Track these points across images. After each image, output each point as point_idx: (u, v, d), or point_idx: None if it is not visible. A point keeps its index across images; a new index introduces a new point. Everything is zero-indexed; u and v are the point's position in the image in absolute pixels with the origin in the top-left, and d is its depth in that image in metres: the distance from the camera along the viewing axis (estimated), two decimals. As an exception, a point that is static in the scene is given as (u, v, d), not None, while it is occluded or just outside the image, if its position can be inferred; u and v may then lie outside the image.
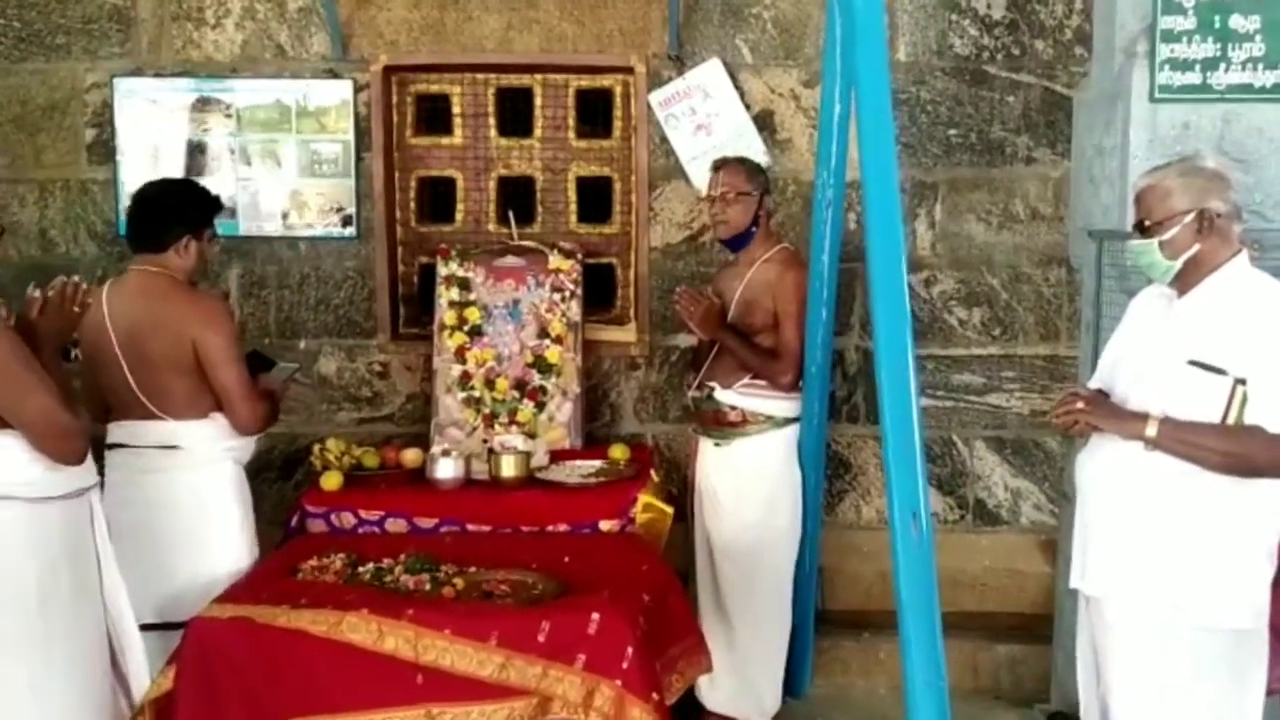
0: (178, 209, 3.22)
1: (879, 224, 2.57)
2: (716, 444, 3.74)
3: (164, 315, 3.12)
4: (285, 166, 4.32)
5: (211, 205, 3.30)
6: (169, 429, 3.17)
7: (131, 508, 3.15)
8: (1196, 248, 2.59)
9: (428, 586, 3.03)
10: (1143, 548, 2.60)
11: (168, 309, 3.13)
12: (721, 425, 3.72)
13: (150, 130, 4.29)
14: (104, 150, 4.32)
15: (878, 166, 2.60)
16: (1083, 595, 2.77)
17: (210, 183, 4.19)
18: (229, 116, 4.29)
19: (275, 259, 4.38)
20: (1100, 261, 3.42)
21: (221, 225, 4.24)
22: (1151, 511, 2.59)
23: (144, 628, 3.11)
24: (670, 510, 3.60)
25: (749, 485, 3.68)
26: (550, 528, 3.52)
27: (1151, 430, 2.54)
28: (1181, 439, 2.53)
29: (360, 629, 2.78)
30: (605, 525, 3.52)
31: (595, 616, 2.76)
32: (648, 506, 3.56)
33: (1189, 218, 2.59)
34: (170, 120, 4.29)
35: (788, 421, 3.69)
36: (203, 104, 4.29)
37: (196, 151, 4.31)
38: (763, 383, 3.64)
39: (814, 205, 3.42)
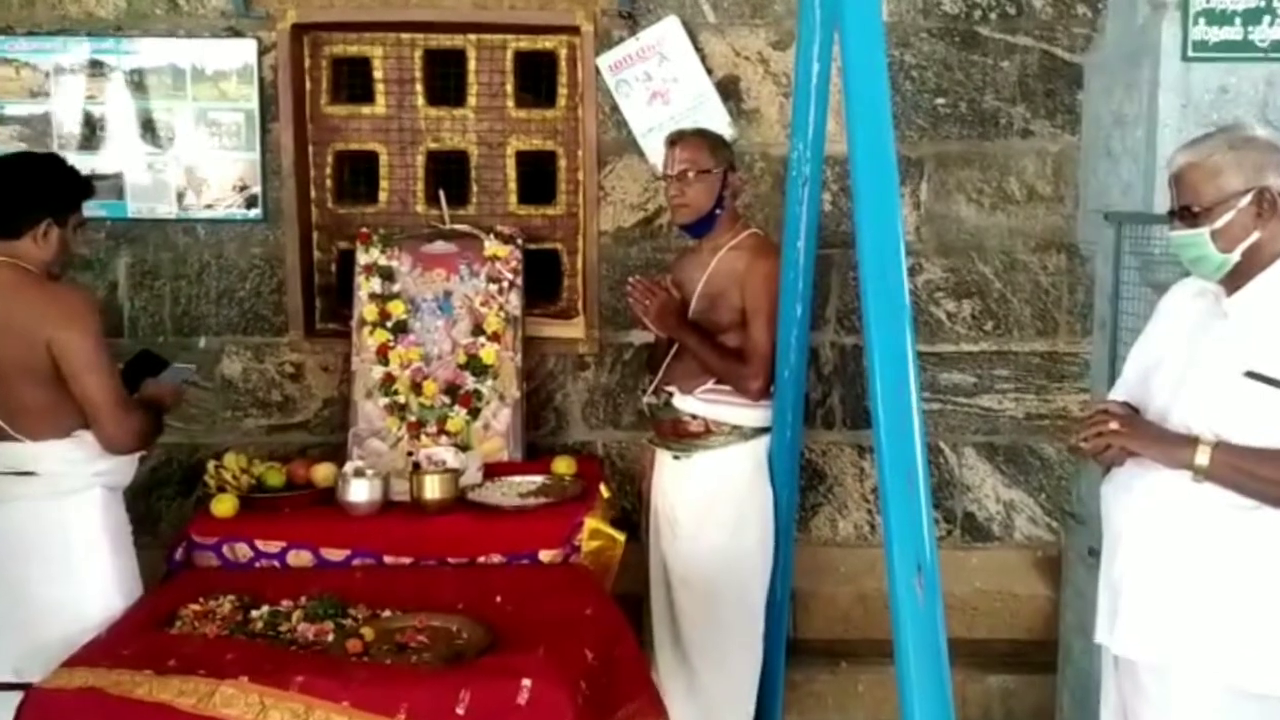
0: (38, 189, 2.70)
1: (872, 205, 2.08)
2: (675, 457, 3.26)
3: (12, 314, 2.60)
4: (180, 139, 3.78)
5: (80, 187, 2.80)
6: (23, 451, 2.65)
7: None
8: (1256, 235, 2.14)
9: (330, 637, 2.58)
10: (1190, 602, 2.14)
11: (17, 306, 2.61)
12: (681, 436, 3.24)
13: (22, 97, 3.73)
14: (-32, 120, 3.76)
15: (870, 132, 2.11)
16: (1109, 650, 2.31)
17: (94, 158, 3.74)
18: (113, 82, 3.73)
19: (170, 245, 3.83)
20: (1119, 249, 2.96)
21: (109, 207, 3.79)
22: (1200, 557, 2.14)
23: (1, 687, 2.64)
24: (621, 537, 3.12)
25: (712, 505, 3.21)
26: (482, 559, 3.05)
27: (1202, 458, 2.09)
28: (1239, 467, 2.09)
29: (238, 702, 2.29)
30: (545, 555, 3.05)
31: (527, 683, 2.29)
32: (595, 533, 3.09)
33: (1245, 200, 2.13)
34: (45, 86, 3.73)
35: (756, 432, 3.21)
36: (83, 68, 3.73)
37: (75, 121, 3.74)
38: (728, 388, 3.16)
39: (787, 183, 2.93)
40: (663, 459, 3.31)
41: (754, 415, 3.20)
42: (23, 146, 3.66)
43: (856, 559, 3.93)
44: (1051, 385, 3.90)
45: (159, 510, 3.89)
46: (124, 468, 2.79)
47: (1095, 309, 3.49)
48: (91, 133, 3.76)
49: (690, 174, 3.14)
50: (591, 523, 3.09)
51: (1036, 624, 3.89)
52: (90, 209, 3.70)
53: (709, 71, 3.76)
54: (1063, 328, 3.87)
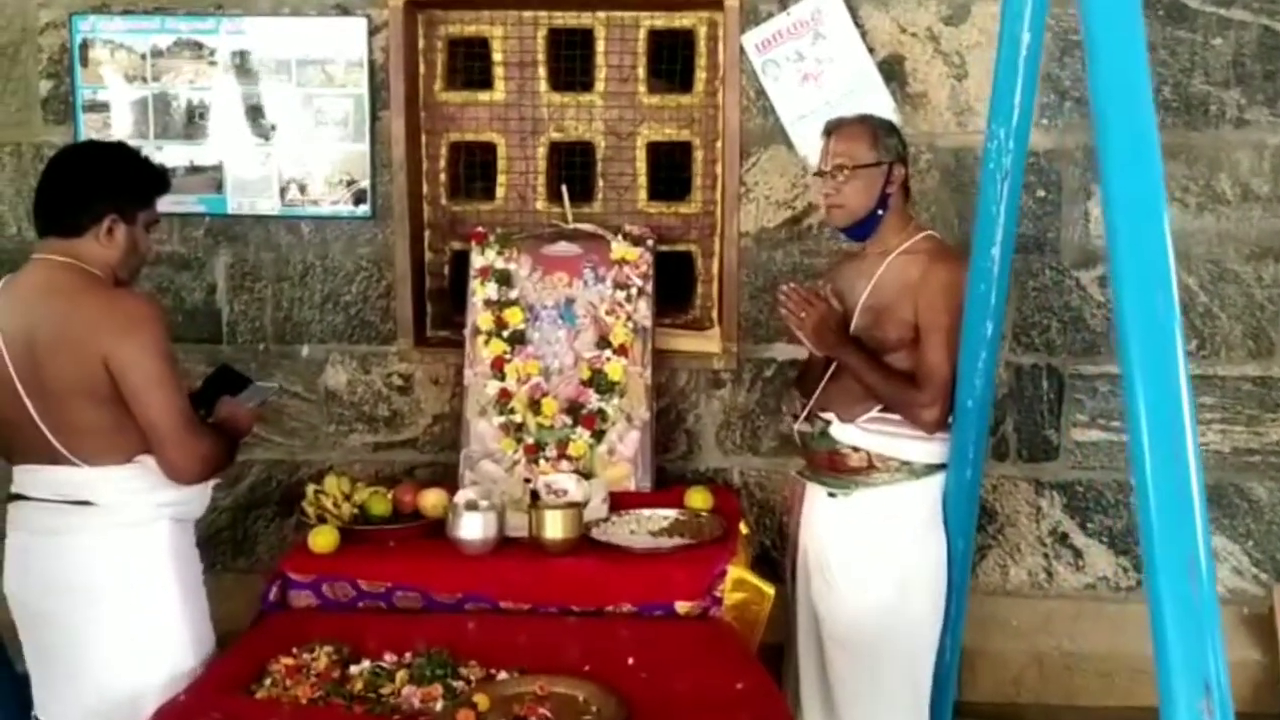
0: (102, 181, 2.38)
1: (1131, 209, 1.62)
2: (831, 494, 2.81)
3: (68, 323, 2.28)
4: (283, 128, 3.45)
5: (151, 180, 2.47)
6: (81, 477, 2.34)
7: (34, 583, 2.37)
8: None
9: (438, 704, 2.22)
10: None
11: (74, 314, 2.29)
12: (839, 471, 2.79)
13: (117, 82, 3.45)
14: (62, 107, 3.48)
15: (1125, 114, 1.66)
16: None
17: (192, 148, 3.44)
18: (213, 65, 3.43)
19: (271, 244, 3.52)
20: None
21: (208, 201, 3.49)
22: None
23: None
24: (770, 591, 2.70)
25: (875, 554, 2.75)
26: (610, 608, 2.66)
27: None
28: None
29: (328, 792, 1.93)
30: (682, 607, 2.66)
31: (672, 786, 1.88)
32: (740, 584, 2.69)
33: None
34: (141, 70, 3.44)
35: (930, 470, 2.75)
36: (180, 49, 3.43)
37: (173, 109, 3.45)
38: (897, 417, 2.71)
39: (981, 178, 2.47)
40: (815, 495, 2.87)
41: (928, 449, 2.74)
42: (116, 136, 3.39)
43: (1030, 612, 3.44)
44: (1265, 415, 3.35)
45: (256, 533, 3.59)
46: (195, 497, 2.46)
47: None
48: (190, 120, 3.46)
49: (846, 169, 2.70)
50: (736, 571, 2.68)
51: (1246, 692, 3.33)
52: (189, 204, 3.49)
53: (870, 50, 3.30)
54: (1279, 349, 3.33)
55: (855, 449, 2.76)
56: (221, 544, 3.57)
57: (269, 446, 3.55)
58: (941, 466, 2.75)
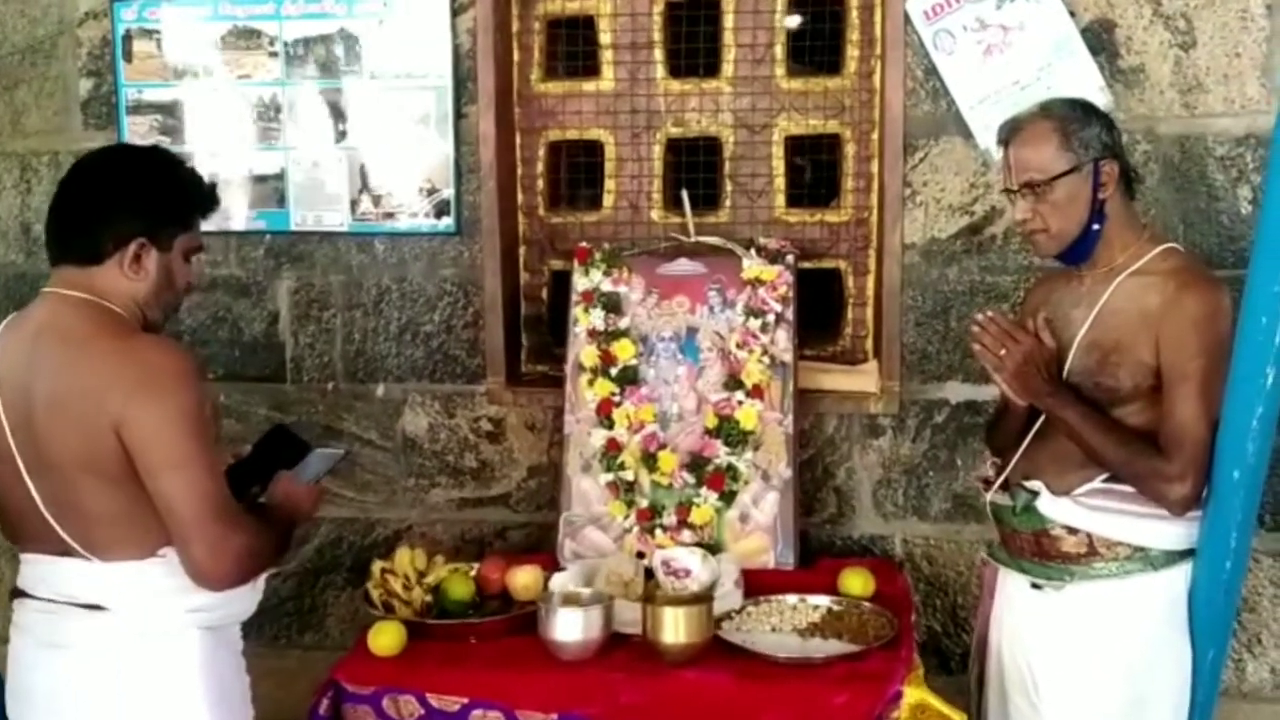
0: (130, 195, 1.87)
1: None
2: (1036, 585, 2.19)
3: (72, 378, 1.78)
4: (354, 128, 2.95)
5: (193, 196, 1.95)
6: (90, 574, 1.85)
7: (37, 706, 1.90)
8: None
9: None
10: None
11: (79, 366, 1.79)
12: (1048, 557, 2.16)
13: (164, 78, 3.00)
14: (104, 108, 3.04)
15: None
16: None
17: (250, 155, 2.96)
18: (273, 56, 2.95)
19: (341, 265, 3.02)
20: None
21: (268, 216, 3.02)
22: None
23: None
24: (961, 720, 2.06)
25: (1097, 666, 2.13)
26: (746, 737, 2.07)
27: None
28: None
29: None
30: None
31: None
32: (921, 709, 2.08)
33: None
34: (192, 62, 2.98)
35: (1172, 559, 2.09)
36: (236, 39, 2.96)
37: (227, 109, 2.98)
38: (1129, 488, 2.06)
39: (1270, 170, 1.80)
40: (1013, 585, 2.24)
41: (1172, 533, 2.08)
42: (163, 141, 2.93)
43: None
44: None
45: (325, 603, 3.09)
46: (235, 599, 1.92)
47: None
48: (246, 122, 2.97)
49: (1037, 185, 2.07)
50: (914, 694, 2.09)
51: None
52: (247, 220, 3.01)
53: (1071, 14, 2.63)
54: None
55: (1071, 530, 2.13)
56: (285, 616, 3.08)
57: (340, 503, 3.05)
58: (1188, 554, 2.09)
